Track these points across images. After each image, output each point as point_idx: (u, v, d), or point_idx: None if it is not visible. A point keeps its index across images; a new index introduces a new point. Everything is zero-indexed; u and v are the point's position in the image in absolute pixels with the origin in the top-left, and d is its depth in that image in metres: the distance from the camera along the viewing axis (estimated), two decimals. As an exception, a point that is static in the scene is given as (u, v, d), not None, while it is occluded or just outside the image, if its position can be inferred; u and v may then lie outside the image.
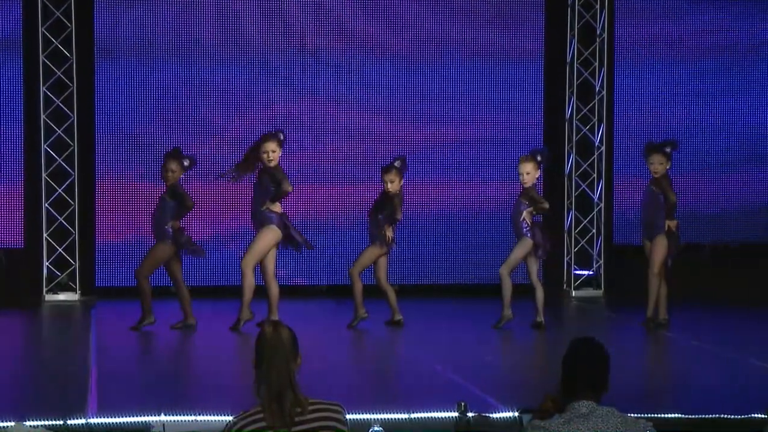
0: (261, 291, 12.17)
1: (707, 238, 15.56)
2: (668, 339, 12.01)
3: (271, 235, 11.93)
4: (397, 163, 12.42)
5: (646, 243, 12.33)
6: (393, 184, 12.28)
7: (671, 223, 12.11)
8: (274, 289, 11.99)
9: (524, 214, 12.18)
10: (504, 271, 12.23)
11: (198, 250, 12.28)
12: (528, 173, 12.19)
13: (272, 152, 11.91)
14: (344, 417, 4.75)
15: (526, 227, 12.19)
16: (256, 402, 4.78)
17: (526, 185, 12.22)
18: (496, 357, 11.20)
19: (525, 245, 12.22)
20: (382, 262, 12.39)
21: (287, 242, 12.09)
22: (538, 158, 12.26)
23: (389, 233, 12.27)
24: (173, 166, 12.11)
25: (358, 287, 12.26)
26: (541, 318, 12.20)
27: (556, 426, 4.73)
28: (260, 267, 12.09)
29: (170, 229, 12.03)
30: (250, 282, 11.90)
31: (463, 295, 14.85)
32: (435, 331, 12.36)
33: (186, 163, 12.20)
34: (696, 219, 15.34)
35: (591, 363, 4.86)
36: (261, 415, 4.68)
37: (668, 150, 12.24)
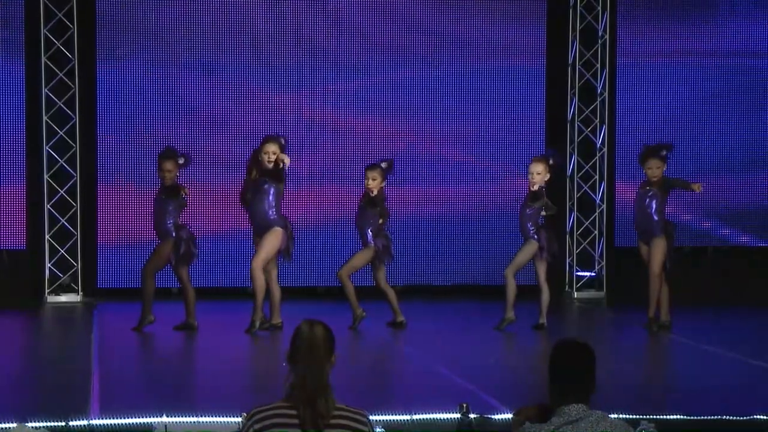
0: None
1: (707, 240, 15.56)
2: (670, 340, 12.01)
3: (278, 237, 11.94)
4: (383, 164, 12.43)
5: (642, 247, 12.31)
6: (375, 181, 12.27)
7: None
8: (276, 293, 12.00)
9: (530, 216, 12.20)
10: (509, 272, 12.23)
11: (193, 253, 12.16)
12: (538, 173, 12.18)
13: (272, 153, 11.90)
14: (368, 427, 4.61)
15: (532, 229, 12.19)
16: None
17: (534, 186, 12.19)
18: (499, 358, 11.19)
19: (530, 247, 12.22)
20: (379, 263, 12.38)
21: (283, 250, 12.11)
22: (551, 161, 12.27)
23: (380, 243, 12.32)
24: (168, 165, 12.07)
25: (350, 288, 12.27)
26: (543, 320, 12.20)
27: None
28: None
29: (173, 228, 12.02)
30: (261, 284, 11.89)
31: (465, 297, 14.84)
32: (437, 333, 12.34)
33: (181, 161, 12.16)
34: (697, 220, 15.35)
35: (577, 365, 4.77)
36: (283, 411, 4.54)
37: (664, 153, 12.24)
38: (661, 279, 12.13)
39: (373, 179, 12.29)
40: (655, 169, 12.19)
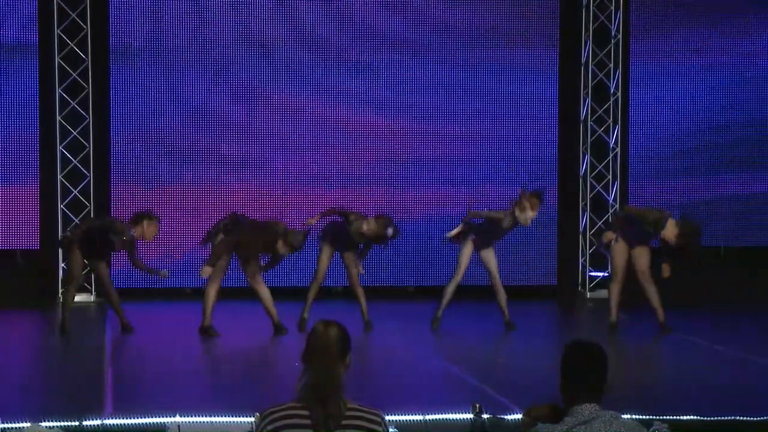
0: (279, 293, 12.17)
1: (719, 240, 15.52)
2: (683, 341, 11.98)
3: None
4: (390, 231, 12.11)
5: (621, 247, 12.30)
6: (368, 228, 12.14)
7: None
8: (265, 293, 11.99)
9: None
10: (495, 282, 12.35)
11: None
12: (533, 218, 12.22)
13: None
14: (383, 427, 4.58)
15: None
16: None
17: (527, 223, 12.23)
18: (511, 358, 11.18)
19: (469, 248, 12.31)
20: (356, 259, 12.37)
21: None
22: None
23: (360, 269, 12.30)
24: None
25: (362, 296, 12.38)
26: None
27: None
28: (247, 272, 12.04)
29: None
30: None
31: (476, 297, 14.82)
32: (449, 333, 12.33)
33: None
34: (711, 220, 15.34)
35: (590, 365, 4.78)
36: (295, 412, 4.52)
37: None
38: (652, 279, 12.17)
39: (368, 226, 12.13)
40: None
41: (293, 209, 14.63)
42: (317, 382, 4.52)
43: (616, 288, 12.28)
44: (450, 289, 12.34)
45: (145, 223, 11.89)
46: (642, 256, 12.20)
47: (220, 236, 11.75)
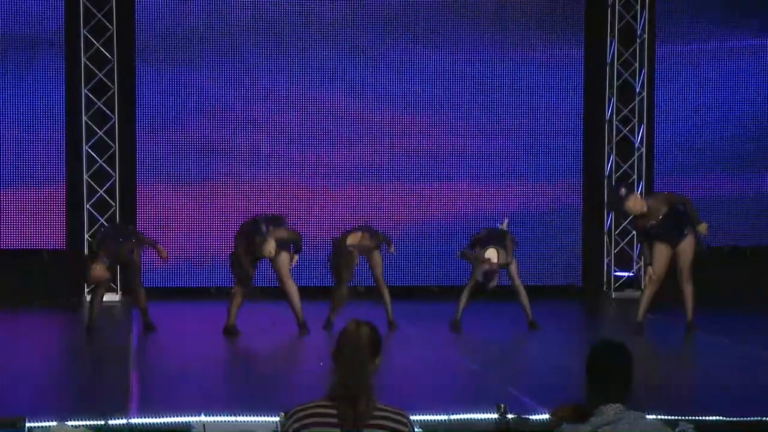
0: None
1: (746, 240, 15.46)
2: (708, 341, 11.94)
3: None
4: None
5: (660, 248, 12.15)
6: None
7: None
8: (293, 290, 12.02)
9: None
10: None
11: None
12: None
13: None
14: (408, 428, 4.57)
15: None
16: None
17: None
18: (534, 358, 11.17)
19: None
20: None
21: None
22: None
23: None
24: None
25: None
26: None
27: None
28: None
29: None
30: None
31: (497, 297, 14.81)
32: (471, 333, 12.33)
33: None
34: (736, 219, 15.29)
35: (615, 365, 4.78)
36: (322, 410, 4.53)
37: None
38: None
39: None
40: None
41: (322, 206, 14.67)
42: (347, 381, 4.52)
43: (650, 291, 12.12)
44: (466, 293, 12.33)
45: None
46: (685, 252, 12.00)
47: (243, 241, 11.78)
